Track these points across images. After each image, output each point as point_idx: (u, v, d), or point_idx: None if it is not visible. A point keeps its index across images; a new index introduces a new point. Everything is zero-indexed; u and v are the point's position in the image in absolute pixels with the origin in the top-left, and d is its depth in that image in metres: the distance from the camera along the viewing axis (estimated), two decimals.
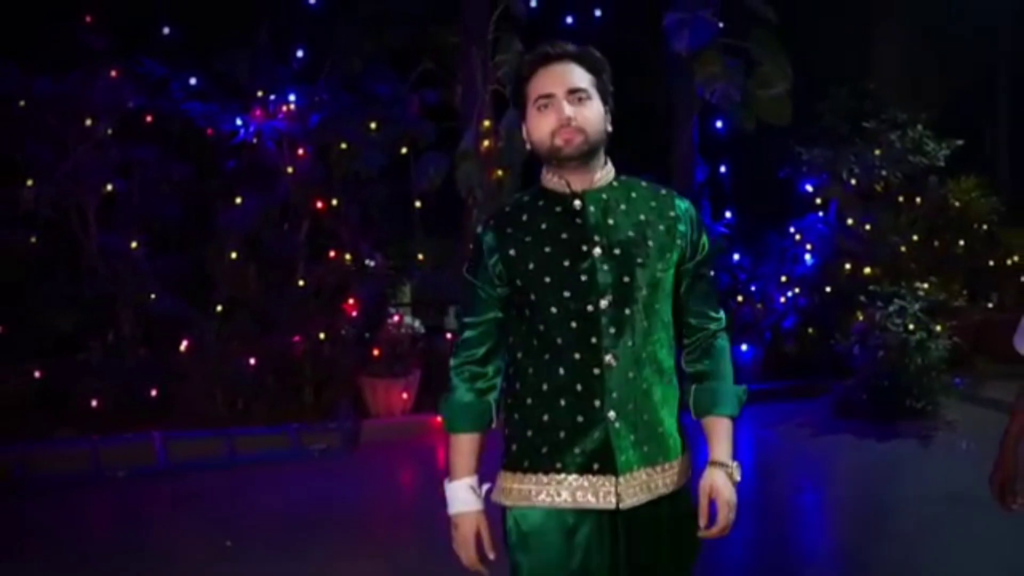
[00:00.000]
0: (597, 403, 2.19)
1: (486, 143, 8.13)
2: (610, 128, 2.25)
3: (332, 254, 7.70)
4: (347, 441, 6.94)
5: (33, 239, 7.16)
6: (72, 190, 7.29)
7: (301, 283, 7.60)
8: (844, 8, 10.27)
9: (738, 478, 2.23)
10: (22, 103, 7.13)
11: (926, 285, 8.00)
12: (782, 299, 9.15)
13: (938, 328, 7.64)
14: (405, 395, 7.48)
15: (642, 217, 2.26)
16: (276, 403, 7.29)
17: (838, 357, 7.96)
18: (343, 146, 7.73)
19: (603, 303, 2.21)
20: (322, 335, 7.35)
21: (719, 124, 9.40)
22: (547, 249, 2.24)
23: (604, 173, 2.27)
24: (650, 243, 2.24)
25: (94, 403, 6.95)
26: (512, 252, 2.26)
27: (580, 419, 2.20)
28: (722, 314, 2.36)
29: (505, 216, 2.31)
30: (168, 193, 7.71)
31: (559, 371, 2.21)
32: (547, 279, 2.23)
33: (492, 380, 2.32)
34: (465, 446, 2.28)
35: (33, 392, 6.87)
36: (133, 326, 7.58)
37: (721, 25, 8.90)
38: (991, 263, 9.78)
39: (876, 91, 9.58)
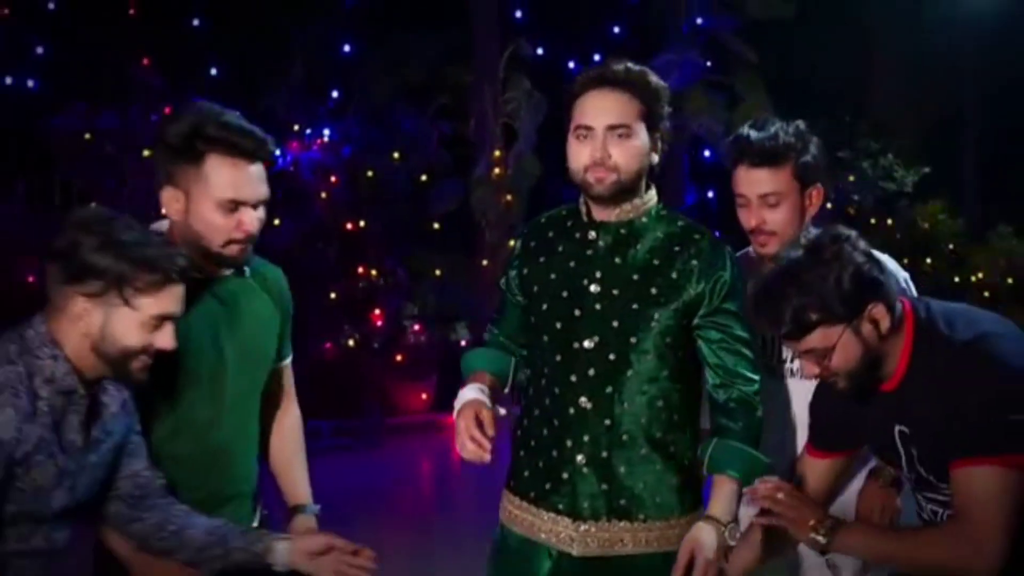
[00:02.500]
0: (569, 443, 1.99)
1: (497, 171, 8.50)
2: (656, 159, 2.03)
3: (360, 270, 8.01)
4: (374, 436, 7.34)
5: None
6: (129, 213, 7.69)
7: (332, 296, 7.92)
8: (821, 44, 10.65)
9: (732, 542, 1.93)
10: (87, 136, 7.43)
11: None
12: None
13: None
14: (424, 395, 7.89)
15: (656, 262, 2.01)
16: (310, 402, 7.65)
17: None
18: (370, 173, 8.06)
19: (587, 343, 1.99)
20: (351, 342, 7.70)
21: (707, 153, 9.80)
22: (552, 276, 2.07)
23: (635, 206, 2.03)
24: (653, 290, 1.99)
25: None
26: (526, 271, 2.13)
27: (554, 454, 2.02)
28: (758, 377, 2.03)
29: (537, 228, 2.18)
30: None
31: (545, 401, 2.04)
32: (544, 306, 2.06)
33: (514, 350, 2.17)
34: (476, 377, 2.12)
35: None
36: None
37: (708, 64, 9.37)
38: (957, 280, 10.13)
39: (850, 123, 10.02)
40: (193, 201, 1.90)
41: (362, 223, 8.09)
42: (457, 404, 2.05)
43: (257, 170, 1.95)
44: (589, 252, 2.03)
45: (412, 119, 8.51)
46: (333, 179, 8.00)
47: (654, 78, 2.03)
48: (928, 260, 9.83)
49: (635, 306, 1.97)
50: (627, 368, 1.96)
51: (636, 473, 1.98)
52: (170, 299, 1.76)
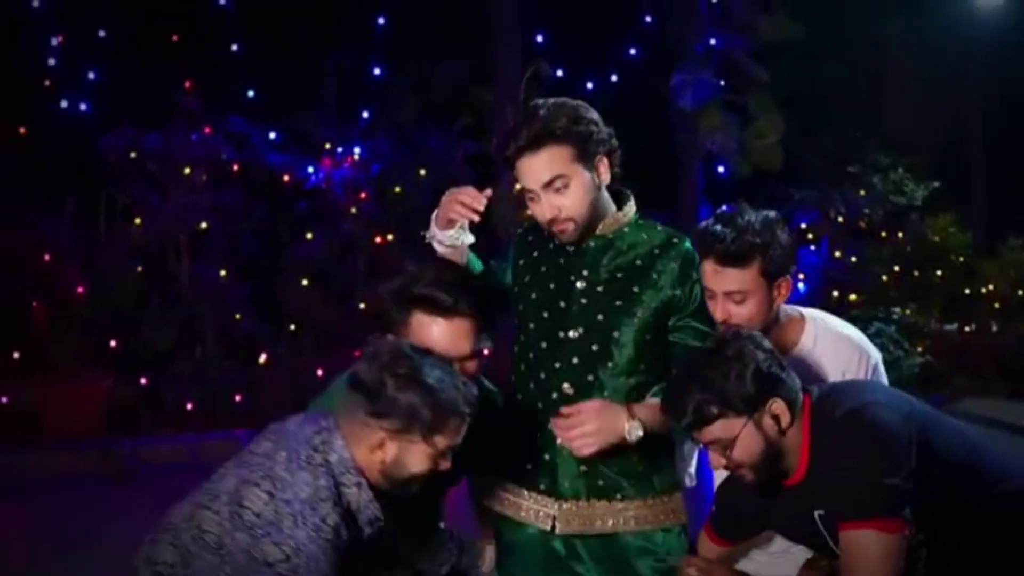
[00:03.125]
0: (550, 426, 2.08)
1: (517, 186, 8.69)
2: (607, 179, 2.11)
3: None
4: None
5: (139, 269, 7.75)
6: (171, 228, 7.89)
7: (362, 306, 8.16)
8: (832, 64, 10.78)
9: (632, 437, 2.00)
10: (132, 155, 7.73)
11: (899, 309, 8.52)
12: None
13: (911, 348, 8.19)
14: None
15: (639, 263, 2.13)
16: None
17: None
18: (398, 189, 8.29)
19: (572, 333, 2.09)
20: None
21: (721, 169, 9.93)
22: (543, 269, 2.19)
23: (615, 219, 2.15)
24: (635, 288, 2.12)
25: (189, 407, 7.50)
26: (521, 261, 2.25)
27: (537, 436, 2.12)
28: None
29: (535, 227, 2.28)
30: (248, 230, 8.28)
31: (529, 386, 2.15)
32: (533, 295, 2.18)
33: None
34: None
35: (140, 397, 7.42)
36: (217, 343, 8.08)
37: (722, 83, 9.55)
38: (967, 291, 10.21)
39: (860, 138, 10.16)
40: None
41: (390, 237, 8.31)
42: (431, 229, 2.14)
43: (458, 325, 1.98)
44: (578, 252, 2.14)
45: (437, 138, 8.70)
46: (363, 195, 8.22)
47: (571, 111, 2.05)
48: (939, 272, 9.92)
49: (618, 302, 2.10)
50: (608, 359, 2.08)
51: (614, 456, 2.06)
52: (461, 433, 1.86)
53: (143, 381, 7.44)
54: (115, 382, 7.31)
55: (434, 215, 2.16)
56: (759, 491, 1.98)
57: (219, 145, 8.02)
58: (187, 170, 7.89)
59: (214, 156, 8.00)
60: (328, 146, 8.32)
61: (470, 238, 2.11)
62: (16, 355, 7.23)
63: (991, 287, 10.19)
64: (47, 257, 7.36)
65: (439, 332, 1.97)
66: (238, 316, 7.98)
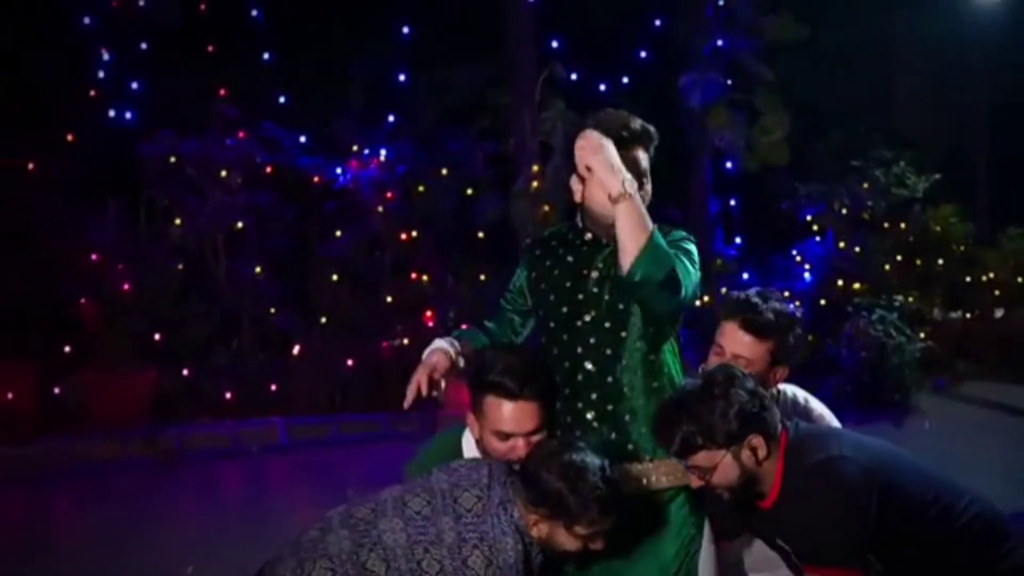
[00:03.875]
0: (579, 404, 2.22)
1: (535, 184, 8.83)
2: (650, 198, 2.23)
3: (412, 276, 8.41)
4: (426, 426, 7.76)
5: (180, 266, 7.93)
6: (209, 228, 8.08)
7: (388, 299, 8.33)
8: (835, 62, 10.84)
9: (629, 191, 2.08)
10: (172, 159, 7.94)
11: (901, 297, 8.63)
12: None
13: (913, 334, 8.32)
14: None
15: None
16: (369, 396, 7.98)
17: (830, 358, 8.53)
18: (421, 189, 8.48)
19: (587, 317, 2.24)
20: (405, 341, 8.05)
21: (729, 165, 10.04)
22: (556, 272, 2.33)
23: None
24: None
25: (227, 396, 7.68)
26: (534, 274, 2.39)
27: (568, 419, 2.25)
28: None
29: (542, 241, 2.44)
30: (281, 229, 8.46)
31: (555, 377, 2.27)
32: (552, 297, 2.32)
33: (514, 318, 2.43)
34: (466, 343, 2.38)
35: (182, 387, 7.61)
36: (253, 336, 8.27)
37: (729, 83, 9.67)
38: (968, 279, 10.28)
39: (864, 133, 10.24)
40: (481, 428, 2.23)
41: (414, 234, 8.48)
42: (428, 350, 2.36)
43: (523, 407, 2.14)
44: (593, 250, 2.30)
45: (458, 140, 8.86)
46: (388, 195, 8.41)
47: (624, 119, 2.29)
48: (940, 261, 10.00)
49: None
50: (621, 332, 2.23)
51: (638, 420, 2.23)
52: (604, 525, 2.02)
53: (185, 372, 7.64)
54: (159, 374, 7.52)
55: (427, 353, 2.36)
56: (733, 508, 2.16)
57: (253, 149, 8.22)
58: (223, 173, 8.09)
59: (248, 160, 8.20)
60: (355, 149, 8.50)
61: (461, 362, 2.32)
62: (67, 349, 7.45)
63: (991, 275, 10.27)
64: (94, 257, 7.59)
65: (508, 413, 2.16)
66: (272, 310, 8.18)
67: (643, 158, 2.27)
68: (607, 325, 2.24)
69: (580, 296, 2.26)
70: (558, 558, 2.13)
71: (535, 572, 2.09)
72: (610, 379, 2.23)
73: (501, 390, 2.16)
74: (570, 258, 2.33)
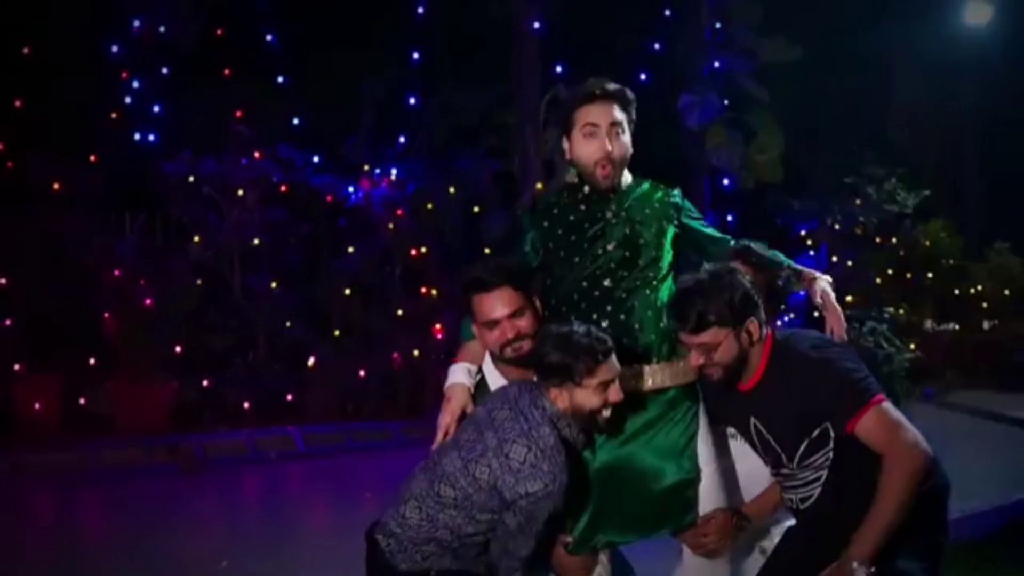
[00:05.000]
0: (595, 316, 2.48)
1: (539, 185, 9.00)
2: (631, 149, 2.55)
3: (423, 290, 8.58)
4: (435, 434, 7.94)
5: (199, 281, 8.13)
6: (227, 245, 8.29)
7: (399, 313, 8.49)
8: (829, 83, 11.07)
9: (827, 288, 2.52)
10: (191, 179, 8.17)
11: (891, 309, 8.84)
12: (778, 323, 10.00)
13: (903, 344, 8.52)
14: None
15: (648, 201, 2.57)
16: (380, 405, 8.18)
17: None
18: (430, 206, 8.65)
19: (610, 247, 2.51)
20: (416, 353, 8.24)
21: (726, 182, 10.25)
22: (570, 219, 2.55)
23: (626, 177, 2.58)
24: (648, 211, 2.54)
25: (245, 405, 7.87)
26: (540, 235, 2.58)
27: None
28: (727, 237, 2.63)
29: (541, 213, 2.63)
30: (295, 245, 8.68)
31: (573, 296, 2.52)
32: (562, 253, 2.55)
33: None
34: (472, 348, 2.55)
35: (202, 397, 7.80)
36: (269, 348, 8.45)
37: (726, 103, 9.90)
38: (957, 292, 10.54)
39: (856, 151, 10.46)
40: (478, 329, 2.48)
41: (424, 249, 8.67)
42: (449, 380, 2.54)
43: (498, 294, 2.41)
44: (605, 198, 2.54)
45: (466, 159, 9.08)
46: (399, 212, 8.62)
47: (630, 93, 2.56)
48: (930, 275, 10.22)
49: (639, 218, 2.56)
50: (637, 259, 2.52)
51: (647, 329, 2.52)
52: (604, 371, 2.32)
53: (204, 383, 7.84)
54: (180, 384, 7.72)
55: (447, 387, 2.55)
56: (720, 385, 2.43)
57: (268, 169, 8.44)
58: (240, 192, 8.32)
59: (264, 179, 8.42)
60: (367, 168, 8.73)
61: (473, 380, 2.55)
62: (92, 361, 7.68)
63: (980, 288, 10.49)
64: (117, 273, 7.81)
65: (487, 303, 2.42)
66: (287, 323, 8.38)
67: (617, 111, 2.53)
68: (627, 254, 2.52)
69: (599, 231, 2.53)
70: (598, 429, 2.41)
71: (579, 453, 2.41)
72: (623, 295, 2.51)
73: (477, 285, 2.45)
74: (583, 206, 2.58)
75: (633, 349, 2.50)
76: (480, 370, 2.56)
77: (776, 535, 2.59)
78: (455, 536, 2.35)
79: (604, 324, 2.47)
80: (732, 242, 2.64)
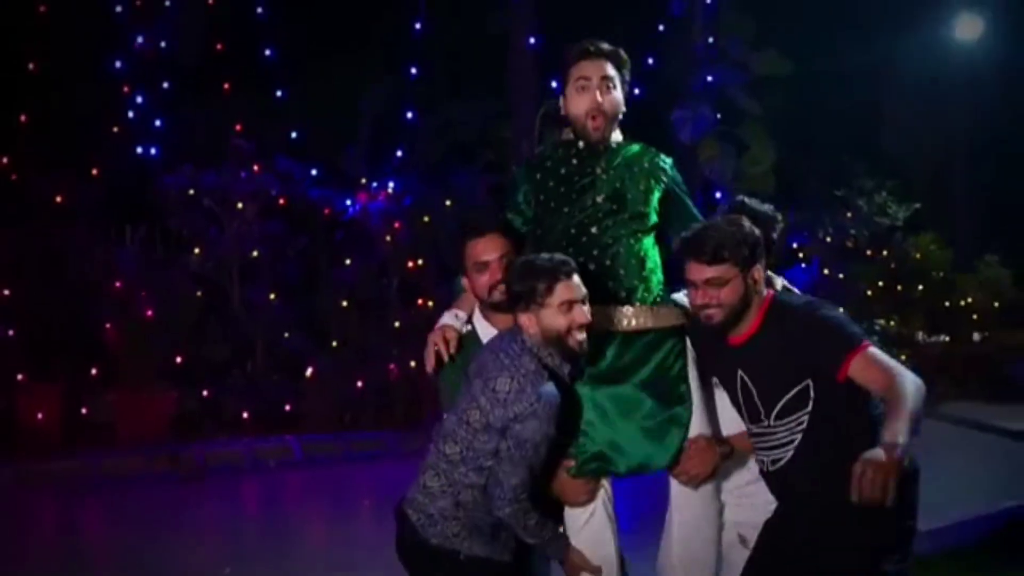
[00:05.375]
0: (582, 259, 2.60)
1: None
2: (624, 107, 2.69)
3: (419, 301, 8.63)
4: (431, 444, 8.00)
5: (199, 293, 8.20)
6: (226, 256, 8.37)
7: (396, 324, 8.57)
8: (820, 96, 11.19)
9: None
10: (191, 191, 8.26)
11: (883, 321, 8.94)
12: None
13: (894, 356, 8.61)
14: None
15: (637, 159, 2.70)
16: (377, 415, 8.24)
17: None
18: (427, 219, 8.72)
19: (599, 199, 2.64)
20: (412, 364, 8.25)
21: (718, 195, 10.36)
22: (562, 171, 2.69)
23: (617, 135, 2.73)
24: (636, 169, 2.68)
25: (244, 415, 7.94)
26: (533, 188, 2.72)
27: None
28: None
29: (536, 167, 2.76)
30: (293, 257, 8.76)
31: (562, 243, 2.63)
32: (552, 204, 2.68)
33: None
34: (461, 301, 2.75)
35: (202, 406, 7.87)
36: (267, 358, 8.49)
37: (718, 116, 10.03)
38: (947, 304, 10.62)
39: (847, 164, 10.59)
40: (468, 273, 2.68)
41: (420, 261, 8.75)
42: (439, 323, 2.73)
43: (490, 239, 2.64)
44: (596, 153, 2.67)
45: (462, 173, 9.18)
46: (396, 225, 8.71)
47: (623, 53, 2.72)
48: (920, 287, 10.32)
49: (627, 175, 2.70)
50: (623, 211, 2.66)
51: (631, 275, 2.66)
52: (564, 290, 2.44)
53: (204, 393, 7.92)
54: (180, 394, 7.78)
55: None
56: (717, 328, 2.51)
57: (267, 182, 8.54)
58: (239, 205, 8.41)
59: (263, 191, 8.51)
60: (364, 181, 8.83)
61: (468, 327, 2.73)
62: (94, 371, 7.75)
63: (969, 300, 10.60)
64: (118, 284, 7.90)
65: (480, 246, 2.64)
66: (286, 334, 8.46)
67: (609, 68, 2.69)
68: (614, 206, 2.66)
69: (588, 183, 2.66)
70: (575, 354, 2.49)
71: (569, 387, 2.52)
72: (609, 241, 2.66)
73: (472, 230, 2.69)
74: (574, 161, 2.72)
75: (616, 292, 2.64)
76: (470, 319, 2.71)
77: (757, 525, 2.66)
78: (475, 496, 2.43)
79: (591, 268, 2.60)
80: None
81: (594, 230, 2.63)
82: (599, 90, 2.64)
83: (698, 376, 2.72)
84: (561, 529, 2.66)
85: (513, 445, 2.39)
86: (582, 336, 2.47)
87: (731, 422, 2.74)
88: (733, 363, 2.57)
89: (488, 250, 2.62)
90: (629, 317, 2.63)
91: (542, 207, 2.70)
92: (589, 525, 2.63)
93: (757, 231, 2.51)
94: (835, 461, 2.36)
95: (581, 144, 2.71)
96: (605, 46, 2.70)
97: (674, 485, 2.68)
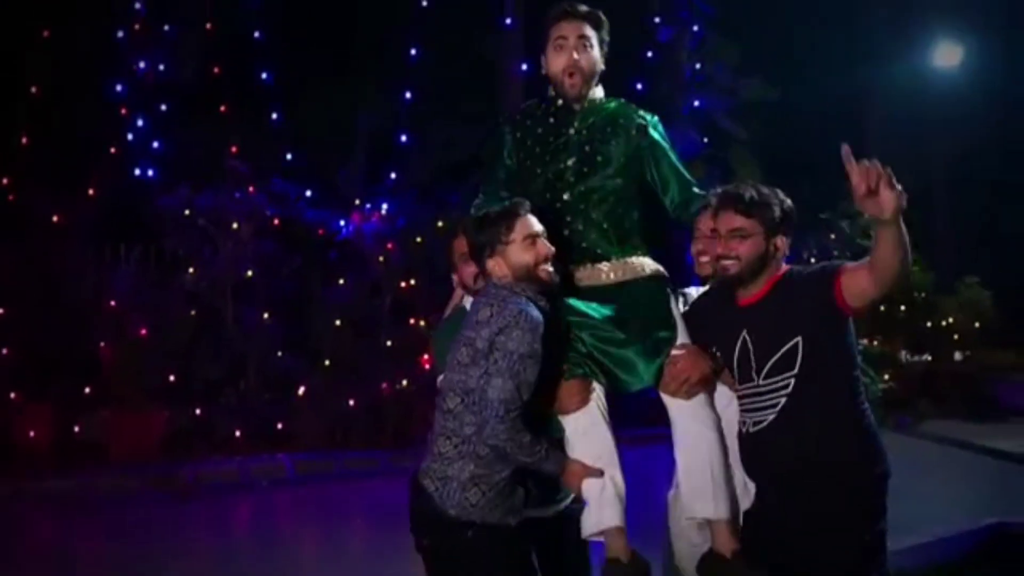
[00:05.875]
0: (568, 218, 2.73)
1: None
2: (603, 66, 2.77)
3: (411, 321, 8.68)
4: (422, 462, 8.02)
5: (192, 312, 8.20)
6: (221, 276, 8.37)
7: (388, 343, 8.59)
8: (806, 121, 11.39)
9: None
10: (187, 212, 8.29)
11: (866, 340, 9.06)
12: None
13: (877, 375, 8.74)
14: None
15: (612, 118, 2.76)
16: (369, 434, 8.24)
17: None
18: (419, 240, 8.77)
19: (570, 162, 2.72)
20: (404, 383, 8.32)
21: None
22: (539, 130, 2.78)
23: (594, 92, 2.79)
24: (609, 129, 2.74)
25: (237, 433, 7.93)
26: (518, 134, 2.81)
27: (554, 232, 2.69)
28: (693, 180, 2.82)
29: (518, 121, 2.85)
30: (287, 277, 8.74)
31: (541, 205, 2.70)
32: (537, 149, 2.77)
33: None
34: (456, 296, 2.94)
35: (195, 424, 7.86)
36: (260, 377, 8.47)
37: (705, 140, 10.19)
38: (929, 325, 10.79)
39: (831, 187, 10.71)
40: (457, 265, 2.88)
41: (413, 281, 8.79)
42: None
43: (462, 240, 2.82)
44: (570, 112, 2.74)
45: (454, 194, 9.14)
46: (389, 245, 8.76)
47: (601, 15, 2.80)
48: (903, 308, 10.47)
49: (599, 136, 2.76)
50: (592, 175, 2.73)
51: (607, 237, 2.75)
52: (524, 225, 2.54)
53: (197, 411, 7.92)
54: (172, 413, 7.77)
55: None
56: (730, 282, 2.60)
57: (262, 202, 8.59)
58: (234, 225, 8.44)
59: (258, 212, 8.56)
60: (358, 202, 8.89)
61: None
62: (87, 390, 7.73)
63: (951, 320, 10.74)
64: (113, 304, 7.91)
65: (459, 245, 2.80)
66: (279, 353, 8.47)
67: (587, 28, 2.76)
68: (584, 169, 2.73)
69: (561, 145, 2.74)
70: (548, 285, 2.56)
71: (553, 319, 2.56)
72: (582, 206, 2.74)
73: (455, 230, 2.85)
74: (551, 119, 2.81)
75: (592, 251, 2.72)
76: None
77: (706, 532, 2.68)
78: (490, 446, 2.42)
79: (565, 232, 2.69)
80: (699, 192, 2.80)
81: (566, 196, 2.70)
82: (576, 49, 2.71)
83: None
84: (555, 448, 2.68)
85: (500, 357, 2.43)
86: (551, 268, 2.56)
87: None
88: (739, 323, 2.64)
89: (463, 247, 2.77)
90: (607, 272, 2.71)
91: (520, 165, 2.79)
92: (586, 431, 2.62)
93: (791, 204, 2.61)
94: (812, 430, 2.48)
95: (560, 102, 2.77)
96: (582, 7, 2.76)
97: (669, 403, 2.67)
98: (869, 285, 2.49)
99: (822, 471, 2.51)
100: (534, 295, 2.54)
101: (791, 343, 2.51)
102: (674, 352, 2.63)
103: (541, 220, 2.63)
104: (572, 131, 2.75)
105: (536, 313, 2.47)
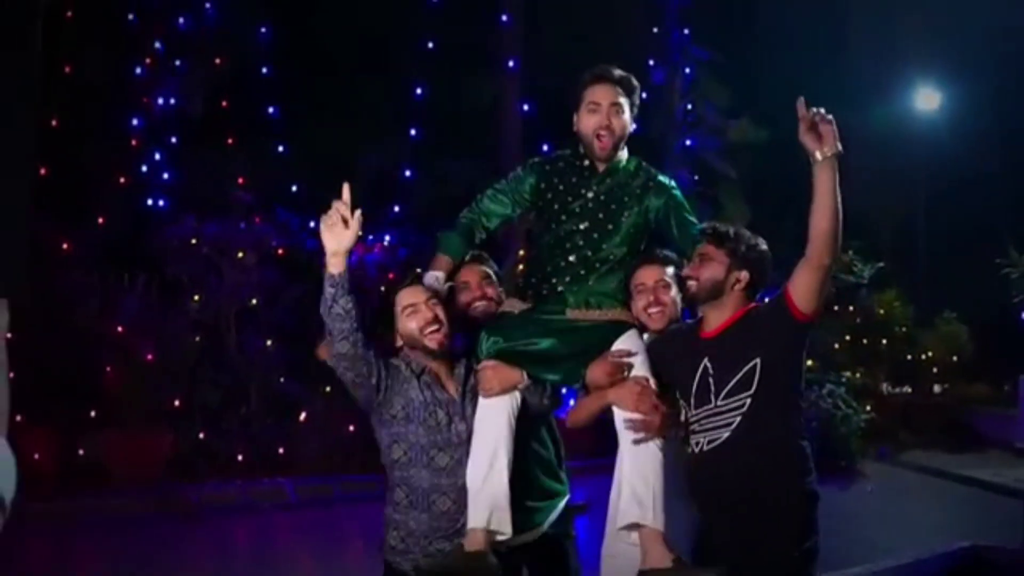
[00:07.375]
0: (562, 263, 2.84)
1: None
2: (633, 126, 2.86)
3: None
4: None
5: (197, 338, 8.27)
6: (225, 304, 8.47)
7: None
8: (792, 160, 11.62)
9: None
10: (194, 241, 8.40)
11: (848, 373, 9.23)
12: None
13: (858, 406, 8.89)
14: None
15: (637, 188, 2.82)
16: (368, 458, 8.33)
17: None
18: (419, 271, 8.91)
19: (581, 225, 2.80)
20: None
21: None
22: (561, 187, 2.86)
23: (621, 155, 2.85)
24: (626, 199, 2.82)
25: (239, 457, 7.98)
26: (543, 185, 2.89)
27: (546, 289, 2.87)
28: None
29: (543, 171, 2.92)
30: (289, 305, 8.79)
31: (547, 268, 2.87)
32: (556, 206, 2.85)
33: (486, 228, 3.00)
34: (440, 262, 3.01)
35: (198, 448, 7.90)
36: (262, 402, 8.49)
37: (696, 178, 10.39)
38: (909, 357, 10.98)
39: None
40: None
41: None
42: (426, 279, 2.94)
43: (467, 267, 3.11)
44: (593, 172, 2.84)
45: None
46: (391, 275, 8.82)
47: (633, 80, 2.90)
48: (884, 341, 10.66)
49: (613, 206, 2.86)
50: (603, 241, 2.84)
51: (593, 299, 2.84)
52: (402, 297, 2.84)
53: (200, 435, 7.96)
54: (176, 436, 7.81)
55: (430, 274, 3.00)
56: (688, 302, 2.76)
57: (267, 232, 8.69)
58: (240, 254, 8.53)
59: (262, 241, 8.65)
60: (360, 234, 8.95)
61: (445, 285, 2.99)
62: (92, 413, 7.77)
63: (930, 353, 10.93)
64: (120, 329, 7.97)
65: (464, 271, 3.10)
66: (280, 379, 8.52)
67: (619, 95, 2.83)
68: (594, 235, 2.84)
69: (577, 208, 2.83)
70: (432, 350, 2.87)
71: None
72: (583, 272, 2.85)
73: (405, 285, 3.02)
74: (573, 178, 2.89)
75: (574, 304, 2.83)
76: (448, 279, 2.98)
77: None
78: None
79: (559, 290, 2.82)
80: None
81: (571, 258, 2.81)
82: (608, 113, 2.79)
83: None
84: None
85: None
86: (437, 334, 2.80)
87: None
88: (701, 353, 2.75)
89: (466, 274, 3.02)
90: (577, 315, 2.83)
91: (538, 210, 2.91)
92: (493, 417, 2.78)
93: (768, 255, 2.77)
94: (759, 450, 2.59)
95: (586, 162, 2.86)
96: (617, 72, 2.83)
97: (617, 417, 2.77)
98: (808, 272, 2.64)
99: (760, 490, 2.63)
100: (426, 361, 2.80)
101: (750, 364, 2.63)
102: (629, 382, 2.74)
103: (544, 271, 2.84)
104: (591, 194, 2.83)
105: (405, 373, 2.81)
